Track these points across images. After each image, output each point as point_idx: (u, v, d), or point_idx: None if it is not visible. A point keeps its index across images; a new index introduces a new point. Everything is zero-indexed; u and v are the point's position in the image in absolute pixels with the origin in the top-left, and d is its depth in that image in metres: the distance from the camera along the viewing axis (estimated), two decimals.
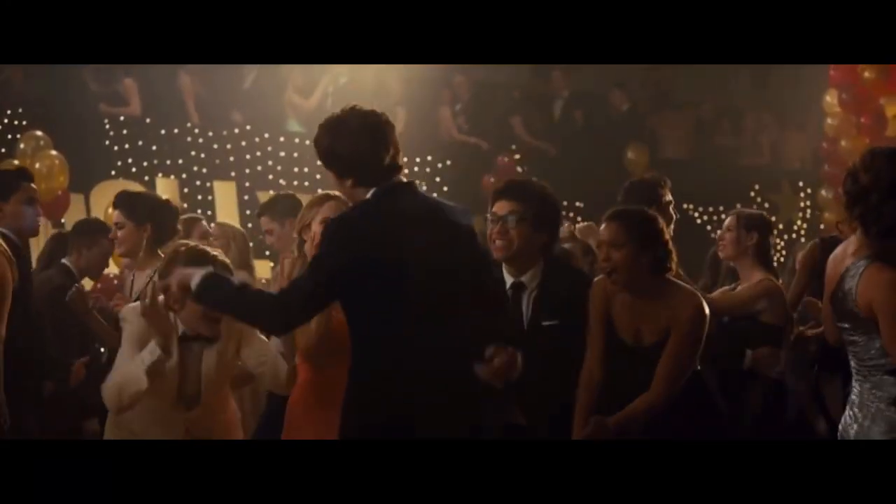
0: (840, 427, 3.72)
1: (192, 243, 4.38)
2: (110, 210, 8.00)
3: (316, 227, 4.66)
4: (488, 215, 4.57)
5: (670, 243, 4.34)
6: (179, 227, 5.61)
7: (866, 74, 10.33)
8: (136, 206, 5.45)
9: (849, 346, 3.66)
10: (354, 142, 3.83)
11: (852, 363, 3.66)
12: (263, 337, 4.39)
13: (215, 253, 4.25)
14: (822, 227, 11.20)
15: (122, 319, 4.28)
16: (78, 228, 6.42)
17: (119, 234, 5.43)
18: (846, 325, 3.63)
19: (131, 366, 4.08)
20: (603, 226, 4.36)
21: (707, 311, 4.27)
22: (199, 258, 4.09)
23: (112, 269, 6.71)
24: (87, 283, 6.22)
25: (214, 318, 4.19)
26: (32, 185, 5.56)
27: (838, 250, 3.74)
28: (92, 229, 6.30)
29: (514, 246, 4.47)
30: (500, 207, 4.52)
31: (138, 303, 4.20)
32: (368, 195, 3.84)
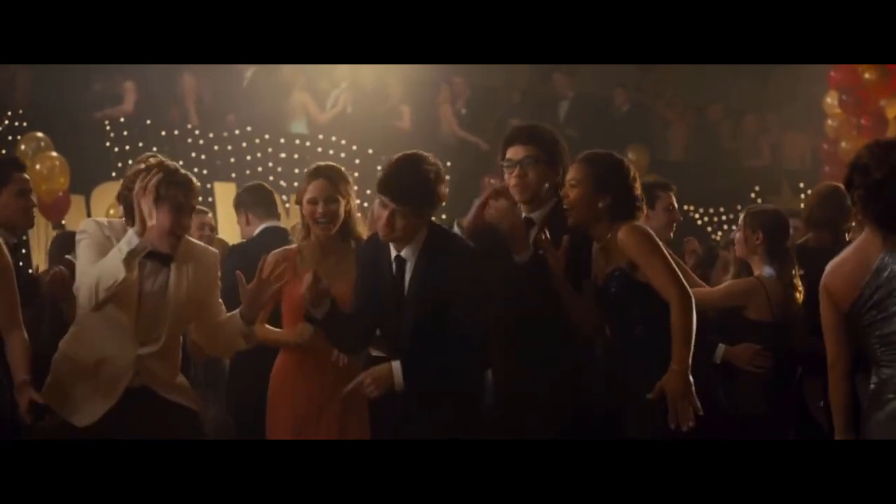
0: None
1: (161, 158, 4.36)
2: (112, 211, 8.04)
3: (305, 209, 4.70)
4: (503, 162, 4.66)
5: (637, 191, 4.37)
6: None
7: (867, 76, 10.34)
8: None
9: (892, 335, 3.62)
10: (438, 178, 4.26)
11: (891, 356, 3.63)
12: (222, 307, 4.46)
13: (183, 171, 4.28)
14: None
15: (80, 232, 4.22)
16: (62, 243, 6.32)
17: None
18: (894, 310, 3.60)
19: (106, 259, 4.03)
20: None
21: (642, 227, 4.29)
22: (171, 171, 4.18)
23: None
24: None
25: (176, 235, 4.17)
26: (25, 176, 5.40)
27: (847, 255, 3.72)
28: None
29: (532, 188, 4.58)
30: (515, 152, 4.61)
31: (93, 219, 4.24)
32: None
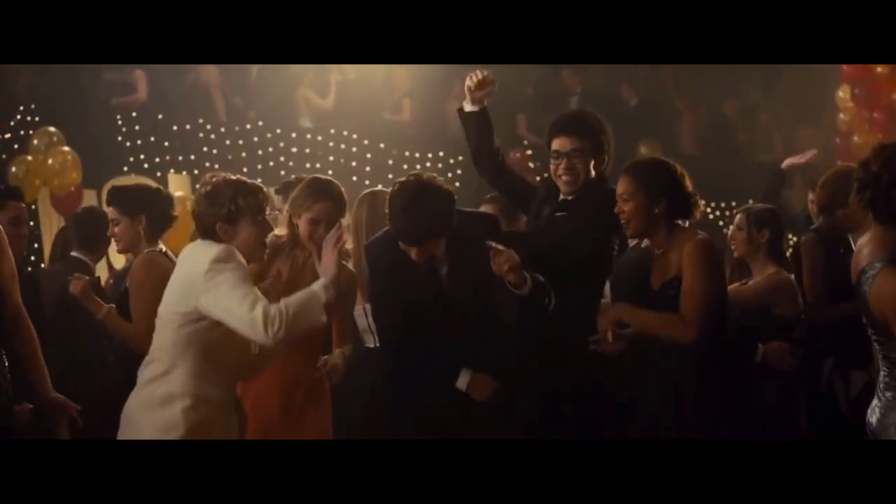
0: (868, 412, 3.72)
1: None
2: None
3: (303, 227, 4.68)
4: (550, 153, 4.73)
5: (689, 189, 4.39)
6: (176, 213, 5.46)
7: (879, 70, 10.33)
8: (128, 200, 5.26)
9: (872, 336, 3.66)
10: None
11: (880, 352, 3.65)
12: None
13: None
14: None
15: (224, 261, 3.89)
16: (82, 218, 6.27)
17: (116, 230, 5.27)
18: (865, 321, 3.63)
19: (303, 299, 3.89)
20: (619, 180, 4.44)
21: (713, 243, 4.31)
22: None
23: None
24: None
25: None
26: (21, 205, 5.36)
27: (859, 242, 3.75)
28: (95, 216, 6.17)
29: (580, 180, 4.67)
30: (562, 144, 4.69)
31: (224, 246, 3.96)
32: None
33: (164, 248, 5.16)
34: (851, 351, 5.20)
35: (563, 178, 4.65)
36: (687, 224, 4.46)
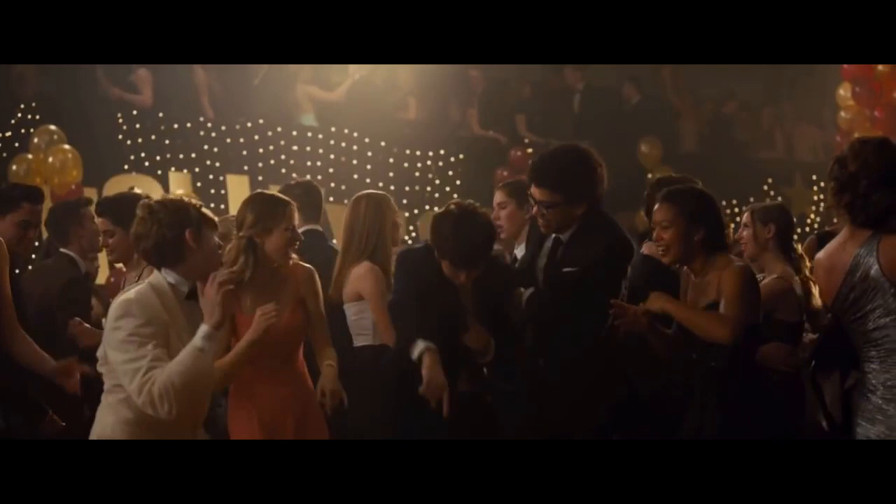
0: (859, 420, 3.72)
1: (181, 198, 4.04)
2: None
3: (281, 239, 4.67)
4: (529, 192, 4.77)
5: (723, 220, 4.44)
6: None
7: (880, 68, 10.31)
8: (121, 211, 5.08)
9: (871, 332, 3.63)
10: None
11: (874, 352, 3.63)
12: None
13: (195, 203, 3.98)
14: (835, 221, 11.12)
15: (119, 317, 3.73)
16: (58, 212, 6.08)
17: (110, 241, 5.24)
18: (869, 308, 3.60)
19: (187, 358, 3.65)
20: (656, 206, 4.45)
21: (751, 269, 4.36)
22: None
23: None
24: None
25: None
26: (37, 208, 5.31)
27: (824, 256, 3.73)
28: (71, 207, 6.08)
29: (552, 226, 4.69)
30: (535, 193, 4.71)
31: (131, 293, 3.81)
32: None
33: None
34: (843, 352, 5.20)
35: (539, 221, 4.75)
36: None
